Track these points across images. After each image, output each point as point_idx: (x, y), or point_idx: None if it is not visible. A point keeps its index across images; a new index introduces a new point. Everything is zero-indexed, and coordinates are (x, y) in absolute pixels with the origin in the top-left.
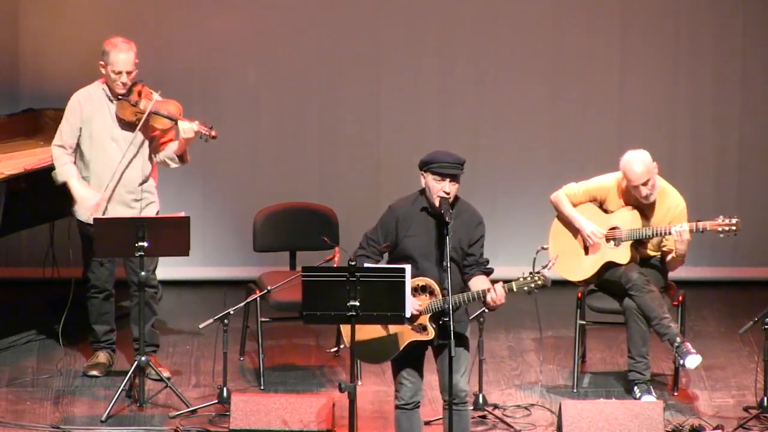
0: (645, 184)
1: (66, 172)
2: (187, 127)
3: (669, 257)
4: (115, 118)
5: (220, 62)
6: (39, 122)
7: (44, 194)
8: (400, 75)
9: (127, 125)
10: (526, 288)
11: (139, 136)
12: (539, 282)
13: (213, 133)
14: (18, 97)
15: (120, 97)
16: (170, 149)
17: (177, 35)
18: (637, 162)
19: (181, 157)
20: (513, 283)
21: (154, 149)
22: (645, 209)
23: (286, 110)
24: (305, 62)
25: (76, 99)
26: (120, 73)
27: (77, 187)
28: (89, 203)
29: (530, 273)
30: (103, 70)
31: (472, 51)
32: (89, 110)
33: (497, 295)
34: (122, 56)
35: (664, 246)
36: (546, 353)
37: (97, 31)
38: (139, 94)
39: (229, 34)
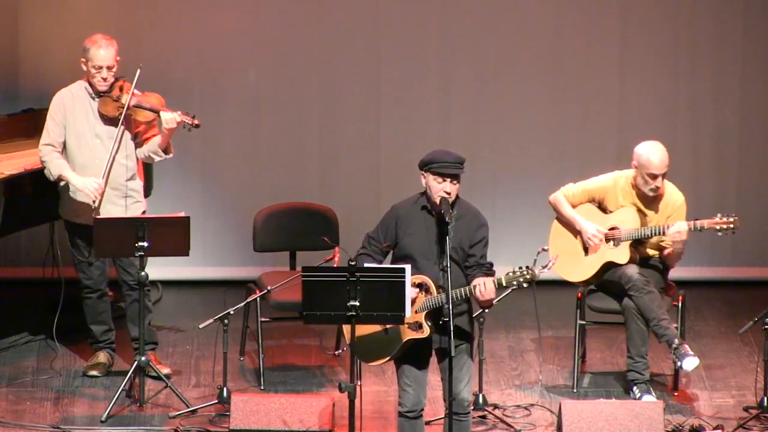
0: (663, 176)
1: (59, 165)
2: (170, 117)
3: (666, 252)
4: (98, 115)
5: (220, 62)
6: (39, 122)
7: (44, 194)
8: (400, 75)
9: (110, 120)
10: (515, 282)
11: (122, 131)
12: (527, 276)
13: (196, 122)
14: (18, 97)
15: (102, 93)
16: (154, 143)
17: (177, 35)
18: (661, 151)
19: (166, 150)
20: (502, 276)
21: (138, 144)
22: (644, 204)
23: (286, 110)
24: (305, 62)
25: (59, 97)
26: (100, 68)
27: (75, 176)
28: (91, 187)
29: (519, 267)
30: (84, 67)
31: (473, 51)
32: (72, 108)
33: (486, 289)
34: (102, 52)
35: (662, 241)
36: (546, 353)
37: (97, 31)
38: (121, 89)
39: (229, 34)
